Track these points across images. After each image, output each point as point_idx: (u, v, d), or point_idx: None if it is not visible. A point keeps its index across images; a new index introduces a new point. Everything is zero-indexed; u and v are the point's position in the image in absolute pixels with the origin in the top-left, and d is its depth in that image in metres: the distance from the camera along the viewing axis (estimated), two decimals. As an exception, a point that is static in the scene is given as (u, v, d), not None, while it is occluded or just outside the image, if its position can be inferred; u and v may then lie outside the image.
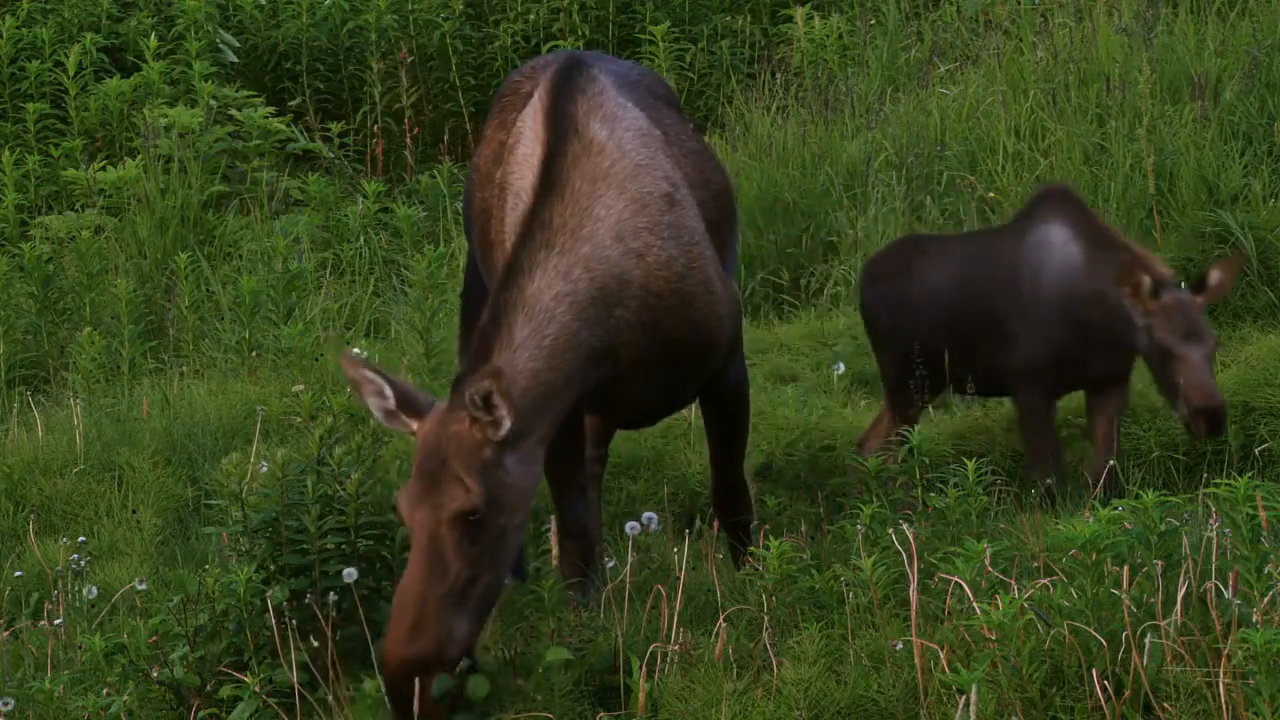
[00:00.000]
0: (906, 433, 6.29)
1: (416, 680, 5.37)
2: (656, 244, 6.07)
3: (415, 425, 5.65)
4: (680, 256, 6.11)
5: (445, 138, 13.33)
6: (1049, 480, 7.15)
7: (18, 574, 7.22)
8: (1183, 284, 7.30)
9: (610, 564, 6.61)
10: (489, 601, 5.56)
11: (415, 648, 5.37)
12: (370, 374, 5.70)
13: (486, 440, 5.57)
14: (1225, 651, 5.07)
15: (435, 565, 5.45)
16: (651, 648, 5.66)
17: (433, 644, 5.39)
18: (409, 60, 13.50)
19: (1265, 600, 5.19)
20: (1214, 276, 7.16)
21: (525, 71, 6.80)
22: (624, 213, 6.04)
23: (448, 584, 5.44)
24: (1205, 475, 7.42)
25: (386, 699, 5.43)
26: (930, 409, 8.21)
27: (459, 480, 5.51)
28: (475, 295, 6.89)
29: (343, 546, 5.90)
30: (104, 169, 12.30)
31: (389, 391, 5.68)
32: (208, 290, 10.80)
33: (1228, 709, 5.05)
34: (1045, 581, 5.43)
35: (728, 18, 13.79)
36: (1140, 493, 5.41)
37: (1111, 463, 7.15)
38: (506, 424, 5.55)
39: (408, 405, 5.67)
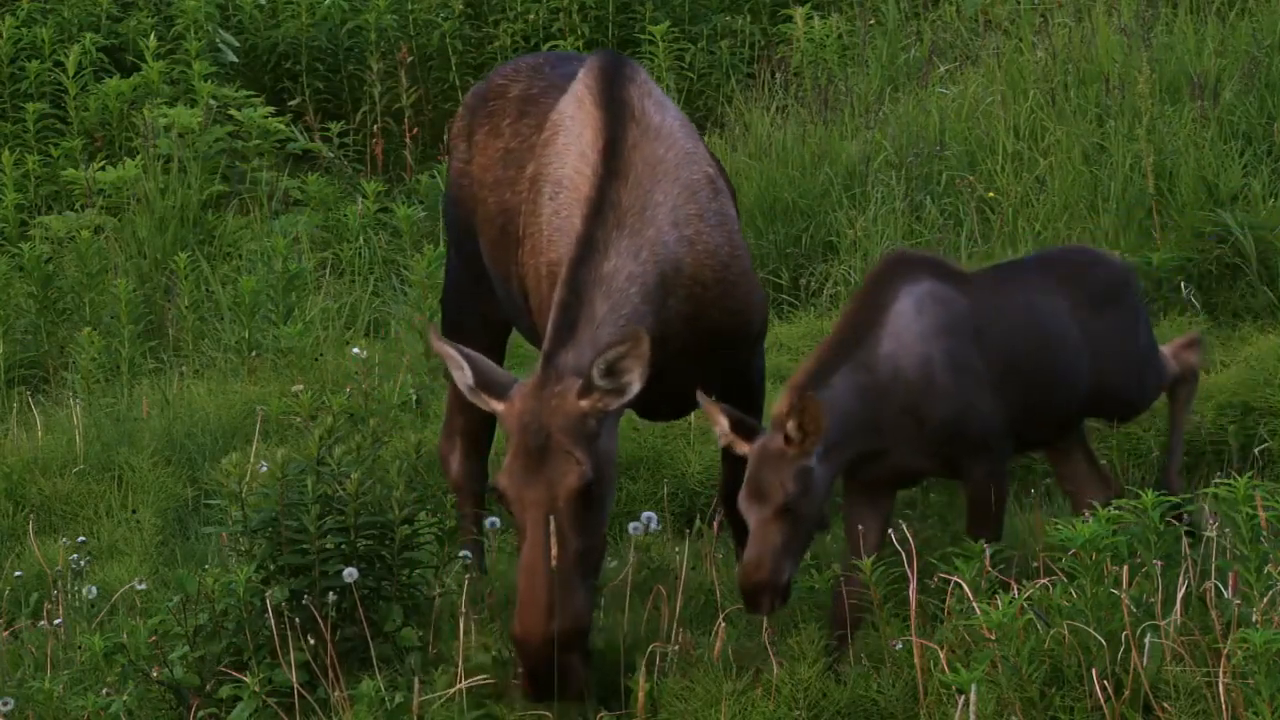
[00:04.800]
0: None
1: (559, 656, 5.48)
2: (706, 231, 6.11)
3: (498, 405, 5.69)
4: (725, 244, 6.14)
5: (445, 138, 13.31)
6: None
7: (17, 574, 7.21)
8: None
9: (612, 564, 6.61)
10: (598, 567, 5.67)
11: (562, 625, 5.46)
12: (451, 350, 5.78)
13: (595, 410, 5.61)
14: (1225, 651, 5.07)
15: (557, 542, 5.51)
16: (651, 648, 5.66)
17: (574, 619, 5.49)
18: (409, 60, 13.48)
19: (1265, 600, 5.19)
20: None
21: (507, 74, 6.80)
22: (678, 199, 6.07)
23: (571, 557, 5.51)
24: (1205, 474, 7.41)
25: (527, 681, 5.49)
26: None
27: (568, 454, 5.55)
28: (460, 301, 6.87)
29: (342, 546, 5.91)
30: (103, 169, 12.28)
31: (466, 368, 5.74)
32: (207, 290, 10.79)
33: (1227, 709, 5.05)
34: (1045, 581, 5.43)
35: (727, 18, 13.78)
36: (1140, 492, 5.41)
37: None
38: (634, 389, 5.61)
39: (487, 385, 5.72)
